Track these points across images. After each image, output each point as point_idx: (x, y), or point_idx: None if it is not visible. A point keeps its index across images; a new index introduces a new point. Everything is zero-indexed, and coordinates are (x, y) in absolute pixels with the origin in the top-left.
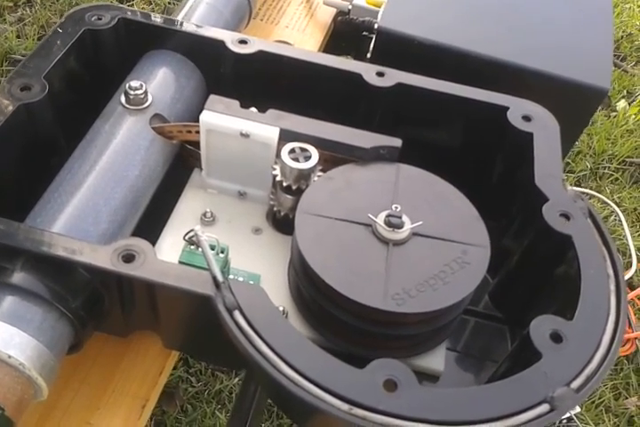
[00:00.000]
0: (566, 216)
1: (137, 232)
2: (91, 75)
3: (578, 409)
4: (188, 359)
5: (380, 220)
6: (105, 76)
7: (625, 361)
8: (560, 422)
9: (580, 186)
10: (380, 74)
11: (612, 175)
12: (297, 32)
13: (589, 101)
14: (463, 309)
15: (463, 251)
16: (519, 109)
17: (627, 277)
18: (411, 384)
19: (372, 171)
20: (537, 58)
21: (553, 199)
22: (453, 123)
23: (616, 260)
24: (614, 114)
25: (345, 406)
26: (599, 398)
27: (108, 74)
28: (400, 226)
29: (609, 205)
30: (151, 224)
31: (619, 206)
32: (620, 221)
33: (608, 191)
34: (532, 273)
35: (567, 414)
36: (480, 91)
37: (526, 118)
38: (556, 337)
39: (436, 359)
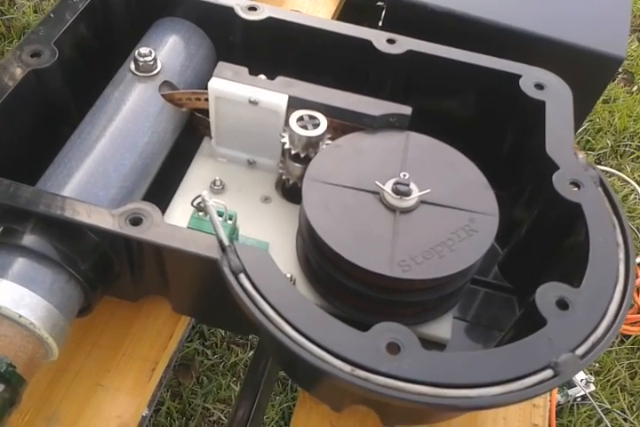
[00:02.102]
0: (576, 184)
1: (148, 199)
2: (101, 42)
3: (593, 388)
4: (205, 332)
5: (387, 187)
6: (115, 43)
7: None
8: (574, 400)
9: (600, 164)
10: (391, 41)
11: (634, 153)
12: (309, 1)
13: (604, 70)
14: (470, 277)
15: (471, 219)
16: (532, 77)
17: None
18: (413, 347)
19: (381, 139)
20: (551, 25)
21: (563, 168)
22: (465, 91)
23: (626, 228)
24: (637, 90)
25: (347, 368)
26: (614, 377)
27: (119, 41)
28: (407, 194)
29: (629, 183)
30: (162, 191)
31: (639, 185)
32: None
33: (629, 169)
34: (542, 242)
35: (582, 393)
36: (492, 58)
37: (539, 86)
38: (562, 304)
39: (443, 327)
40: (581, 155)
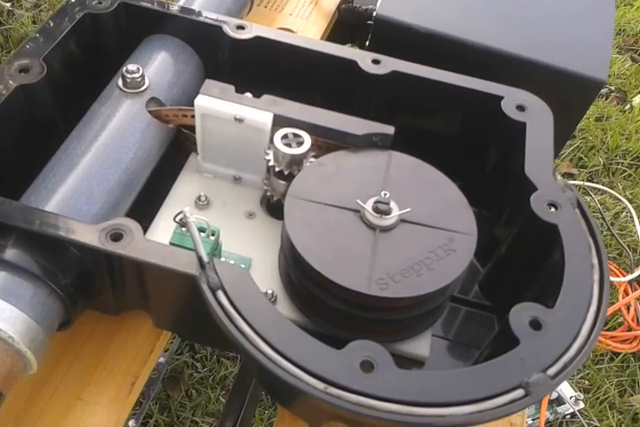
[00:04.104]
0: (554, 206)
1: (133, 214)
2: (90, 58)
3: (582, 405)
4: (194, 345)
5: (368, 206)
6: (104, 59)
7: (632, 358)
8: (563, 417)
9: (592, 181)
10: (376, 61)
11: (626, 171)
12: (300, 19)
13: (586, 93)
14: (449, 295)
15: (450, 238)
16: (513, 99)
17: (637, 273)
18: (387, 365)
19: (364, 157)
20: (534, 48)
21: (541, 189)
22: (448, 111)
23: (601, 250)
24: (629, 109)
25: (321, 385)
26: (604, 395)
27: (108, 57)
28: (387, 212)
29: (621, 201)
30: (149, 206)
31: (631, 203)
32: (631, 217)
33: (620, 187)
34: (520, 262)
35: (571, 410)
36: (475, 80)
37: (520, 108)
38: (536, 324)
39: (422, 345)
40: (559, 176)
